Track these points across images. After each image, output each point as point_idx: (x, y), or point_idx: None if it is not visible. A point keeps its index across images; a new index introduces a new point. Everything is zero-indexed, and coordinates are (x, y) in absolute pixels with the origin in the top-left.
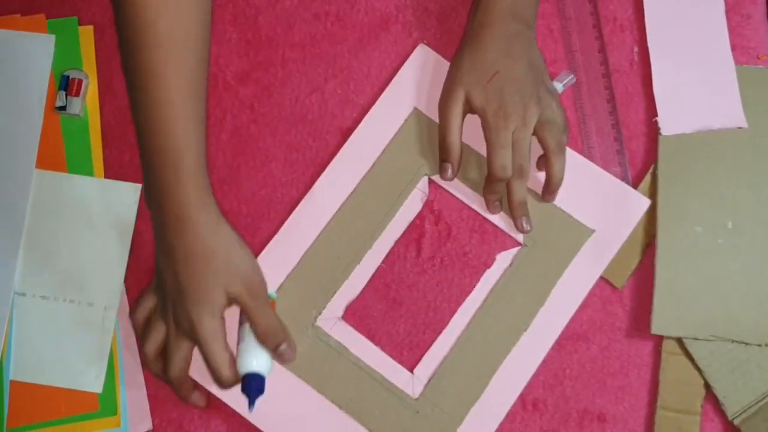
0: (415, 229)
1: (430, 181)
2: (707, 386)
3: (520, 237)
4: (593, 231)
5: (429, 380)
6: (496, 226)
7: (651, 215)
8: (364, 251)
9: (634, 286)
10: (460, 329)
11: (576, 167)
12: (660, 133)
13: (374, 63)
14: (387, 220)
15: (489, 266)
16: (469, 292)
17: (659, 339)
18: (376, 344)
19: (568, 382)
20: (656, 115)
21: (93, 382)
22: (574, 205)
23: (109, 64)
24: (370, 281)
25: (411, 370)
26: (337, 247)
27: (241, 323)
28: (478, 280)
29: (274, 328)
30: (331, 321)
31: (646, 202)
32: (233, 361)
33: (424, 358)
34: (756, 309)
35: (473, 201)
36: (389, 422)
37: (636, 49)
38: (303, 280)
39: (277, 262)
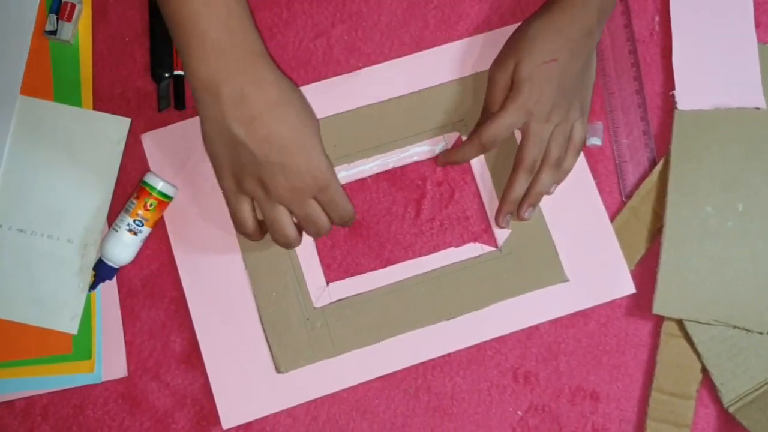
0: (416, 188)
1: (458, 140)
2: (704, 371)
3: (501, 238)
4: (567, 280)
5: (336, 301)
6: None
7: (661, 195)
8: (360, 155)
9: (639, 265)
10: (394, 280)
11: (594, 218)
12: (676, 108)
13: (385, 10)
14: (401, 142)
15: (467, 241)
16: (429, 253)
17: (659, 320)
18: (318, 246)
19: (563, 357)
20: (673, 89)
21: (68, 323)
22: (567, 247)
23: None
24: (365, 240)
25: (329, 283)
26: (339, 137)
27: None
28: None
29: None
30: None
31: (630, 289)
32: None
33: (345, 281)
34: (761, 296)
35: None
36: (278, 310)
37: (657, 18)
38: None
39: None
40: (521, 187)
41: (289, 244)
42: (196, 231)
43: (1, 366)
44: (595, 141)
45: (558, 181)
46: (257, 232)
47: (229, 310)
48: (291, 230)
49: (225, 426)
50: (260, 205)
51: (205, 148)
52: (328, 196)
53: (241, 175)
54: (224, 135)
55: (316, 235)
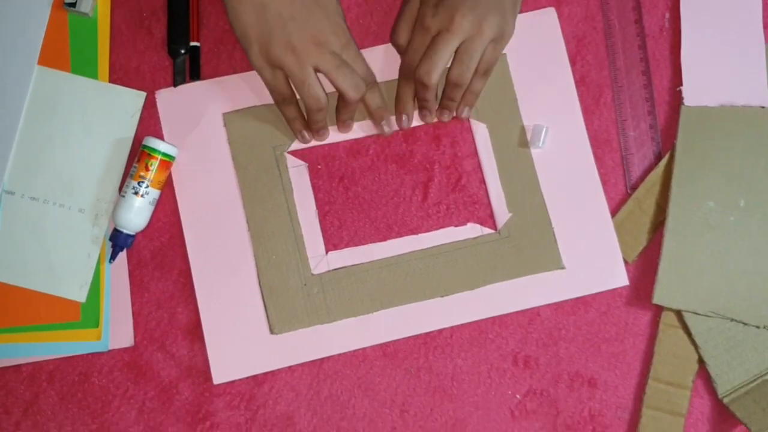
0: (424, 171)
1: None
2: (701, 362)
3: (501, 221)
4: (563, 268)
5: (334, 270)
6: None
7: (665, 188)
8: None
9: (640, 255)
10: (392, 253)
11: (595, 208)
12: (683, 103)
13: None
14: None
15: (464, 223)
16: (430, 230)
17: (659, 310)
18: (320, 213)
19: (563, 343)
20: (681, 84)
21: (77, 291)
22: (566, 235)
23: None
24: (372, 222)
25: (328, 252)
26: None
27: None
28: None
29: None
30: (296, 161)
31: (624, 281)
32: None
33: (344, 251)
34: (759, 290)
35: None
36: (277, 273)
37: (668, 15)
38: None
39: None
40: (406, 91)
41: (319, 108)
42: (202, 191)
43: (10, 330)
44: (536, 143)
45: (467, 103)
46: (294, 99)
47: (230, 270)
48: (320, 90)
49: (216, 381)
50: (290, 70)
51: (234, 28)
52: (352, 52)
53: (269, 43)
54: (251, 2)
55: (353, 89)
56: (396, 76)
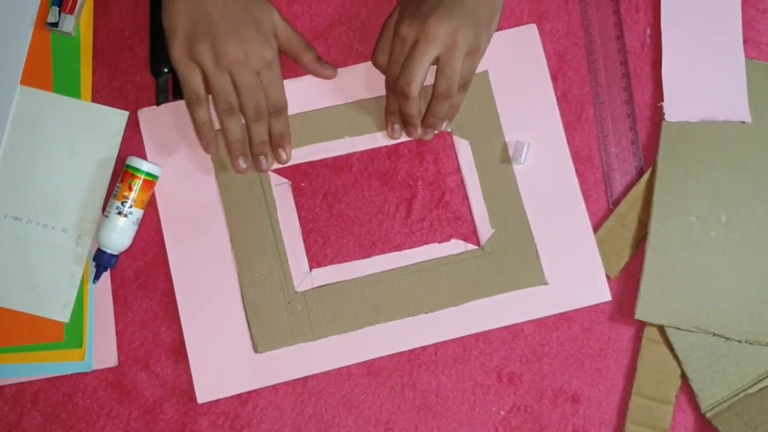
0: (407, 188)
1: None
2: (684, 377)
3: (484, 237)
4: (546, 284)
5: (317, 287)
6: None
7: (647, 204)
8: (335, 136)
9: (622, 271)
10: (376, 270)
11: (577, 224)
12: (664, 119)
13: (383, 13)
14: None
15: (447, 240)
16: (413, 247)
17: (641, 325)
18: (304, 231)
19: (546, 359)
20: (662, 100)
21: (60, 312)
22: (548, 251)
23: None
24: (356, 239)
25: (311, 269)
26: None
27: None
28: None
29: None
30: (279, 179)
31: (606, 296)
32: None
33: (328, 268)
34: (740, 305)
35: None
36: (260, 292)
37: (648, 31)
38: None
39: None
40: (392, 104)
41: (231, 110)
42: (186, 210)
43: None
44: (518, 159)
45: (448, 118)
46: (206, 100)
47: (213, 289)
48: (234, 98)
49: (200, 400)
50: (208, 71)
51: (163, 20)
52: (272, 75)
53: (195, 38)
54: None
55: (254, 112)
56: (375, 93)
